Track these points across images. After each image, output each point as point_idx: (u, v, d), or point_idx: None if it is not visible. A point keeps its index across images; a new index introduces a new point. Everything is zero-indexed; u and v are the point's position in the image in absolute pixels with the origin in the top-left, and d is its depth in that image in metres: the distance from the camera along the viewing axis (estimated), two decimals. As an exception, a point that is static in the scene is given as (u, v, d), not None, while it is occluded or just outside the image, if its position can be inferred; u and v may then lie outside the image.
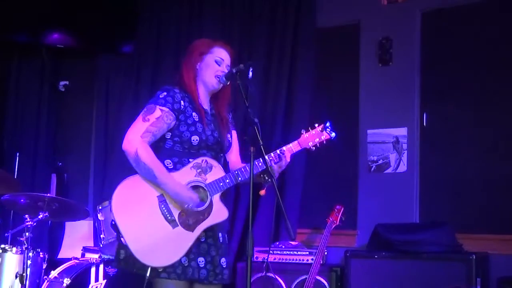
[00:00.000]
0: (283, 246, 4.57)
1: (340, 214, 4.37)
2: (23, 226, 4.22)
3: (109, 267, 4.35)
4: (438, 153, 4.68)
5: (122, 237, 2.78)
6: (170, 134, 2.95)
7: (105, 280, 4.38)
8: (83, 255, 4.86)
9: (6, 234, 4.50)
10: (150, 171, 2.80)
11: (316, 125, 3.06)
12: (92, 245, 5.15)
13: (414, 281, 3.99)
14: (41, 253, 4.29)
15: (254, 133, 2.73)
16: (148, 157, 2.82)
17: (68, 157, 6.09)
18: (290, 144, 3.01)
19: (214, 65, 3.02)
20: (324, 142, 3.05)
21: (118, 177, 2.93)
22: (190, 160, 2.91)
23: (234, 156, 3.16)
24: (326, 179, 5.03)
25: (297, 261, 4.48)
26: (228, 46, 3.10)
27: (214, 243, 2.94)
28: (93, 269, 4.41)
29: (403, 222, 4.51)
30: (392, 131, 4.76)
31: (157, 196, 2.84)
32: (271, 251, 4.50)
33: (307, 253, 4.47)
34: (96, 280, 4.40)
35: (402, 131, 4.73)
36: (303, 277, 4.26)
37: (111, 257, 4.12)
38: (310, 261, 4.35)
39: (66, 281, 4.26)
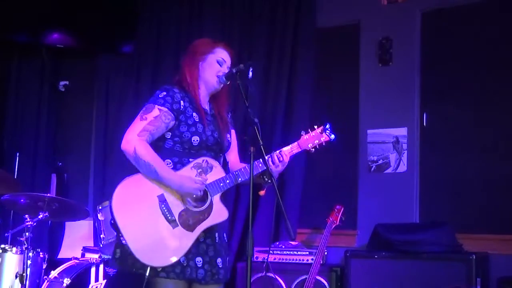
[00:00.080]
0: (283, 246, 4.58)
1: (340, 214, 4.37)
2: (23, 226, 4.22)
3: (109, 267, 4.35)
4: (438, 153, 4.68)
5: (122, 236, 2.78)
6: (170, 134, 2.95)
7: (105, 280, 4.38)
8: (83, 255, 4.86)
9: (6, 234, 4.49)
10: (151, 168, 2.80)
11: (316, 126, 3.07)
12: (92, 245, 5.15)
13: (414, 281, 3.99)
14: (41, 253, 4.29)
15: (254, 133, 2.73)
16: (147, 154, 2.81)
17: (68, 157, 6.09)
18: (290, 146, 3.01)
19: (216, 65, 3.02)
20: (324, 144, 3.06)
21: (118, 177, 2.93)
22: (190, 160, 2.91)
23: (233, 156, 3.16)
24: (326, 179, 5.03)
25: (297, 261, 4.49)
26: (229, 48, 3.10)
27: (212, 243, 2.95)
28: (93, 269, 4.41)
29: (403, 222, 4.51)
30: (392, 131, 4.76)
31: (158, 196, 2.83)
32: (271, 251, 4.50)
33: (307, 253, 4.48)
34: (96, 280, 4.40)
35: (402, 131, 4.73)
36: (303, 277, 4.26)
37: (111, 257, 4.12)
38: (310, 261, 4.36)
39: (66, 281, 4.25)
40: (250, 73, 2.84)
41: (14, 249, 4.21)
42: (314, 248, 4.44)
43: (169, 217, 2.82)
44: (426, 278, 3.96)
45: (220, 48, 3.06)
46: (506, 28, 4.51)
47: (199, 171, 2.89)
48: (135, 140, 2.82)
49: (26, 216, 4.26)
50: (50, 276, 4.35)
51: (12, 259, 4.19)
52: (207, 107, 3.07)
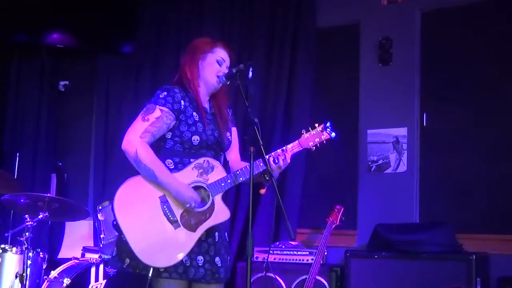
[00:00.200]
0: (283, 246, 4.58)
1: (340, 214, 4.37)
2: (23, 226, 4.22)
3: (109, 267, 4.35)
4: (438, 153, 4.68)
5: (124, 237, 2.78)
6: (171, 134, 2.94)
7: (105, 280, 4.38)
8: (83, 255, 4.86)
9: (6, 234, 4.49)
10: (150, 171, 2.80)
11: (316, 125, 3.06)
12: (92, 245, 5.15)
13: (414, 281, 4.00)
14: (41, 253, 4.29)
15: (254, 133, 2.73)
16: (148, 157, 2.81)
17: (68, 157, 6.09)
18: (291, 144, 3.01)
19: (216, 64, 3.02)
20: (324, 142, 3.05)
21: (118, 177, 2.93)
22: (191, 160, 2.91)
23: (234, 154, 3.15)
24: (326, 179, 5.03)
25: (297, 261, 4.49)
26: (228, 48, 3.10)
27: (213, 242, 2.95)
28: (93, 269, 4.41)
29: (403, 222, 4.51)
30: (392, 131, 4.77)
31: (159, 197, 2.83)
32: (271, 251, 4.50)
33: (307, 253, 4.48)
34: (96, 280, 4.40)
35: (402, 131, 4.73)
36: (303, 277, 4.26)
37: (111, 257, 4.11)
38: (310, 261, 4.36)
39: (66, 281, 4.25)
40: (250, 73, 2.84)
41: (14, 249, 4.21)
42: (314, 248, 4.44)
43: (171, 218, 2.82)
44: (426, 278, 3.96)
45: (219, 48, 3.06)
46: (506, 28, 4.51)
47: (200, 171, 2.89)
48: (137, 142, 2.82)
49: (26, 216, 4.26)
50: (50, 276, 4.35)
51: (12, 259, 4.19)
52: (207, 106, 3.07)
